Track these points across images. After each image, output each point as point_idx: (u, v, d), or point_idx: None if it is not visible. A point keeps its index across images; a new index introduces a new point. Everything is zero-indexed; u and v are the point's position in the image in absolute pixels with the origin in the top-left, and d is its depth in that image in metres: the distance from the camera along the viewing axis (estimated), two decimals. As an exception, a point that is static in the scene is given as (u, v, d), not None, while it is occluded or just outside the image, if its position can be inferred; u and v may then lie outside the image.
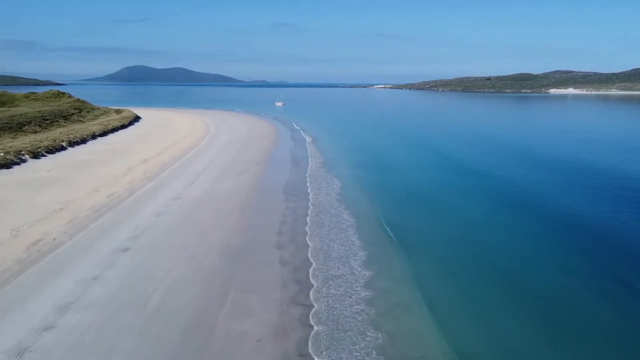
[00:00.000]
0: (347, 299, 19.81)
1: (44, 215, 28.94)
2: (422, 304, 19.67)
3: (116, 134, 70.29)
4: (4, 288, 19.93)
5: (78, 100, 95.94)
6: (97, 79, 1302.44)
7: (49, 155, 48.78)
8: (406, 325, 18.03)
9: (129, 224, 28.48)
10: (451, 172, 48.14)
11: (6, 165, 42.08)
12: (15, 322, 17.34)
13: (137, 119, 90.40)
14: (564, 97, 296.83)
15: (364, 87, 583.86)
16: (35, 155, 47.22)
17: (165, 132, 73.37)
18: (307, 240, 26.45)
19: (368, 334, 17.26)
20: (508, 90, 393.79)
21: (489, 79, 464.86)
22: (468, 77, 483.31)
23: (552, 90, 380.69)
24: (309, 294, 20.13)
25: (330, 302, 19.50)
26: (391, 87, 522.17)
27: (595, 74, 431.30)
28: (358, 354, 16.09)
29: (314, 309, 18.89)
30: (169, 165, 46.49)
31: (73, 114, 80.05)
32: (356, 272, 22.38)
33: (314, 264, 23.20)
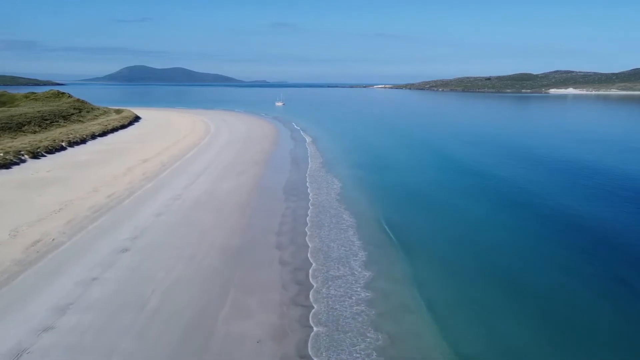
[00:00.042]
0: (347, 299, 19.74)
1: (43, 216, 28.87)
2: (423, 304, 19.60)
3: (116, 134, 70.23)
4: (3, 289, 19.85)
5: (78, 100, 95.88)
6: (97, 79, 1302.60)
7: (49, 156, 48.72)
8: (407, 326, 17.96)
9: (128, 224, 28.41)
10: (451, 172, 48.08)
11: (5, 165, 42.02)
12: (13, 324, 17.27)
13: (137, 119, 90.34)
14: (564, 97, 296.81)
15: (364, 87, 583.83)
16: (35, 155, 47.16)
17: (165, 132, 73.31)
18: (307, 241, 26.38)
19: (368, 335, 17.19)
20: (508, 90, 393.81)
21: (489, 79, 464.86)
22: (468, 77, 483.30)
23: (552, 90, 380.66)
24: (308, 295, 20.07)
25: (330, 303, 19.43)
26: (391, 87, 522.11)
27: (595, 74, 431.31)
28: (358, 356, 16.02)
29: (313, 310, 18.82)
30: (168, 165, 46.43)
31: (73, 114, 79.99)
32: (356, 273, 22.31)
33: (313, 265, 23.14)
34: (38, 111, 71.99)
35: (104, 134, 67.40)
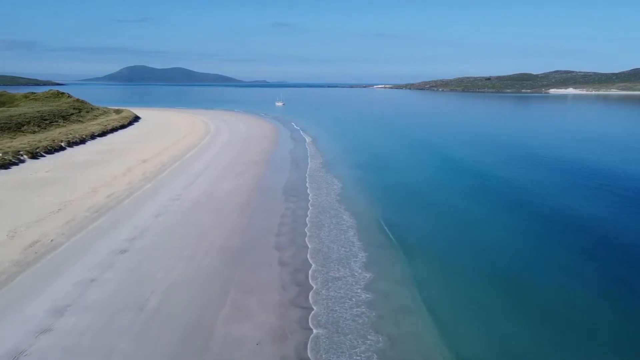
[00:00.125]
0: (347, 301, 19.62)
1: (42, 216, 28.76)
2: (424, 306, 19.50)
3: (115, 134, 70.13)
4: (1, 290, 19.74)
5: (77, 100, 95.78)
6: (97, 79, 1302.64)
7: (48, 156, 48.62)
8: (407, 328, 17.85)
9: (127, 224, 28.30)
10: (451, 172, 47.98)
11: (4, 165, 41.92)
12: (11, 325, 17.15)
13: (136, 119, 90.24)
14: (564, 97, 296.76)
15: (364, 87, 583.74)
16: (34, 155, 47.06)
17: (165, 132, 73.21)
18: (307, 242, 26.27)
19: (369, 337, 17.06)
20: (508, 90, 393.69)
21: (489, 79, 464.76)
22: (468, 77, 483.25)
23: (552, 90, 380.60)
24: (308, 296, 19.96)
25: (329, 304, 19.31)
26: (391, 87, 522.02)
27: (595, 74, 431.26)
28: (358, 358, 15.90)
29: (313, 312, 18.70)
30: (168, 165, 46.32)
31: (72, 114, 79.88)
32: (356, 274, 22.19)
33: (313, 266, 23.03)
34: (37, 111, 71.88)
35: (103, 134, 67.30)
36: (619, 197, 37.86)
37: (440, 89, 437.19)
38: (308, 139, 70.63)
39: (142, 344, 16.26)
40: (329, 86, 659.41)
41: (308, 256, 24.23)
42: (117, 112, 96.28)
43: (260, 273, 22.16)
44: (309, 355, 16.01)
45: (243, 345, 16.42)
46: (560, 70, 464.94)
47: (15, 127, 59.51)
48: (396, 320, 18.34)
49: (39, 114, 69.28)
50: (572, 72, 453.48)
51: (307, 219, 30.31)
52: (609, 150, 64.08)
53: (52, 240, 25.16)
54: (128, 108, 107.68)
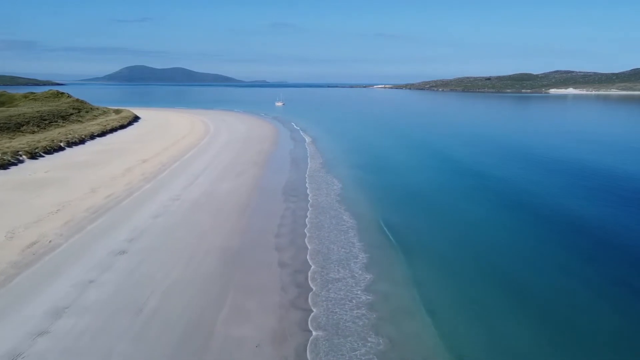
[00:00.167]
0: (347, 303, 19.46)
1: (40, 217, 28.62)
2: (424, 307, 19.37)
3: (115, 134, 70.00)
4: (-2, 292, 19.60)
5: (77, 100, 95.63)
6: (96, 79, 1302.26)
7: (47, 156, 48.48)
8: (408, 330, 17.71)
9: (126, 225, 28.16)
10: (451, 172, 47.85)
11: (3, 166, 41.77)
12: (8, 327, 17.01)
13: (136, 119, 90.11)
14: (564, 97, 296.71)
15: (364, 87, 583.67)
16: (33, 155, 46.92)
17: (165, 133, 73.07)
18: (306, 243, 26.13)
19: (369, 339, 16.91)
20: (508, 90, 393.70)
21: (489, 79, 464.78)
22: (468, 77, 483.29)
23: (552, 90, 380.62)
24: (307, 298, 19.82)
25: (329, 306, 19.16)
26: (391, 87, 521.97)
27: (595, 74, 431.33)
28: (358, 360, 15.75)
29: (312, 314, 18.56)
30: (167, 165, 46.19)
31: (72, 114, 79.73)
32: (356, 275, 22.04)
33: (312, 267, 22.88)
34: (37, 111, 71.73)
35: (103, 134, 67.16)
36: (619, 197, 37.77)
37: (440, 89, 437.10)
38: (308, 139, 70.50)
39: (141, 346, 16.12)
40: (328, 86, 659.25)
41: (308, 257, 24.09)
42: (117, 112, 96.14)
43: (259, 274, 22.02)
44: (309, 357, 15.86)
45: (242, 347, 16.28)
46: (560, 70, 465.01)
47: (15, 127, 59.37)
48: (397, 322, 18.20)
49: (39, 114, 69.13)
50: (572, 72, 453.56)
51: (306, 219, 30.17)
52: (609, 150, 63.99)
53: (50, 241, 25.02)
54: (128, 108, 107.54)
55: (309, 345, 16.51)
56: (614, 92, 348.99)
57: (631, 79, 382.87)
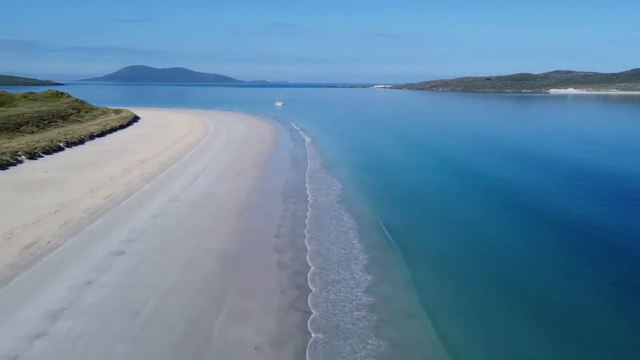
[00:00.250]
0: (348, 304, 19.30)
1: (39, 218, 28.46)
2: (425, 309, 19.22)
3: (114, 134, 69.85)
4: (-4, 293, 19.45)
5: (77, 100, 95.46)
6: (96, 79, 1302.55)
7: (46, 156, 48.32)
8: (409, 332, 17.56)
9: (125, 226, 28.01)
10: (451, 173, 47.71)
11: (2, 166, 41.60)
12: (5, 330, 16.85)
13: (135, 119, 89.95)
14: (564, 97, 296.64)
15: (364, 87, 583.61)
16: (32, 156, 46.76)
17: (164, 133, 72.92)
18: (306, 244, 25.98)
19: (369, 341, 16.74)
20: (508, 91, 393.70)
21: (489, 79, 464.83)
22: (468, 77, 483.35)
23: (552, 91, 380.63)
24: (307, 300, 19.66)
25: (329, 308, 18.99)
26: (391, 87, 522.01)
27: (596, 74, 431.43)
28: (358, 363, 15.60)
29: (312, 316, 18.40)
30: (167, 166, 46.03)
31: (71, 114, 79.57)
32: (357, 277, 21.89)
33: (312, 268, 22.72)
34: (36, 111, 71.56)
35: (102, 134, 67.00)
36: (619, 197, 37.67)
37: (440, 89, 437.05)
38: (308, 139, 70.36)
39: (138, 349, 15.97)
40: (328, 86, 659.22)
41: (307, 258, 23.93)
42: (117, 112, 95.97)
43: (258, 276, 21.86)
44: (308, 360, 15.72)
45: (241, 350, 16.13)
46: (561, 70, 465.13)
47: (14, 127, 59.21)
48: (397, 324, 18.04)
49: (38, 114, 68.97)
50: (572, 72, 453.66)
51: (306, 220, 30.02)
52: (609, 150, 63.85)
53: (48, 242, 24.87)
54: (127, 108, 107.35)
55: (308, 347, 16.36)
56: (614, 92, 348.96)
57: (631, 79, 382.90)
